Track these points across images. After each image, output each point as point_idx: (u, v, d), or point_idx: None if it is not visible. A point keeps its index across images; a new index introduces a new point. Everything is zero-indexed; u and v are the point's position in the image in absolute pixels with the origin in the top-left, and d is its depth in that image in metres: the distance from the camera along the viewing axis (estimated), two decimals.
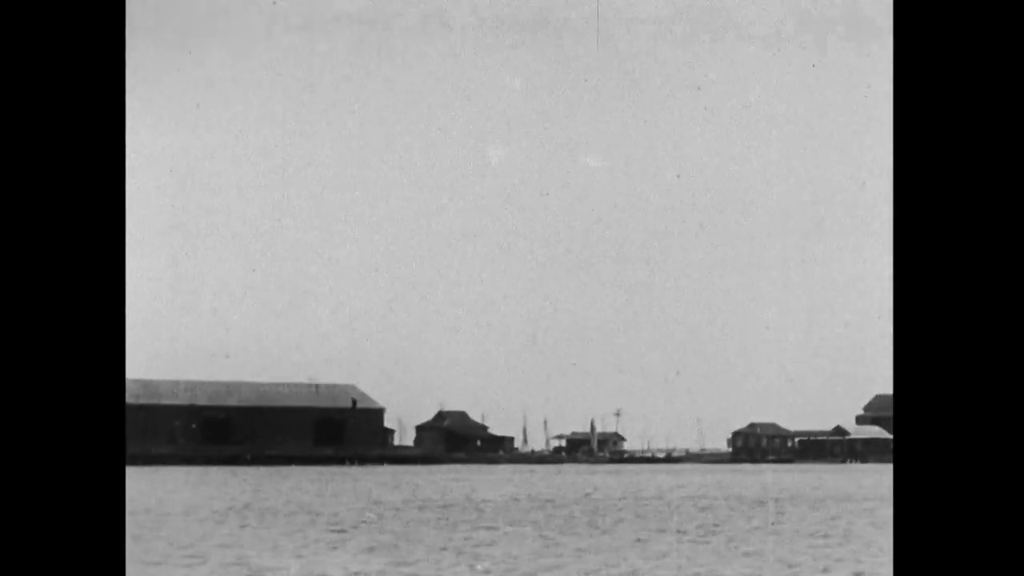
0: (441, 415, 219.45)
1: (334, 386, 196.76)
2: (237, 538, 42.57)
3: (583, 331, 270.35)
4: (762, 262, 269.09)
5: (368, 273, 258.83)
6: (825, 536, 43.94)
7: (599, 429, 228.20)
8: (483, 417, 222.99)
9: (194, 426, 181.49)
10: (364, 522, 51.22)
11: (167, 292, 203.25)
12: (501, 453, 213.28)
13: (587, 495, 79.34)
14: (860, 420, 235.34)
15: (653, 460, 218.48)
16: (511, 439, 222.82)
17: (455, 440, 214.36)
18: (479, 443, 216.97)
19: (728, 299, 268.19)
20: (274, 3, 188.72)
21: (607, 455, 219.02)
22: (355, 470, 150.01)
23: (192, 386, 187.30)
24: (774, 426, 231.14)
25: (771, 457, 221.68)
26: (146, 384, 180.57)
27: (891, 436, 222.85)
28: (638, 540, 41.66)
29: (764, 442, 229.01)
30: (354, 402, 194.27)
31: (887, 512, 58.59)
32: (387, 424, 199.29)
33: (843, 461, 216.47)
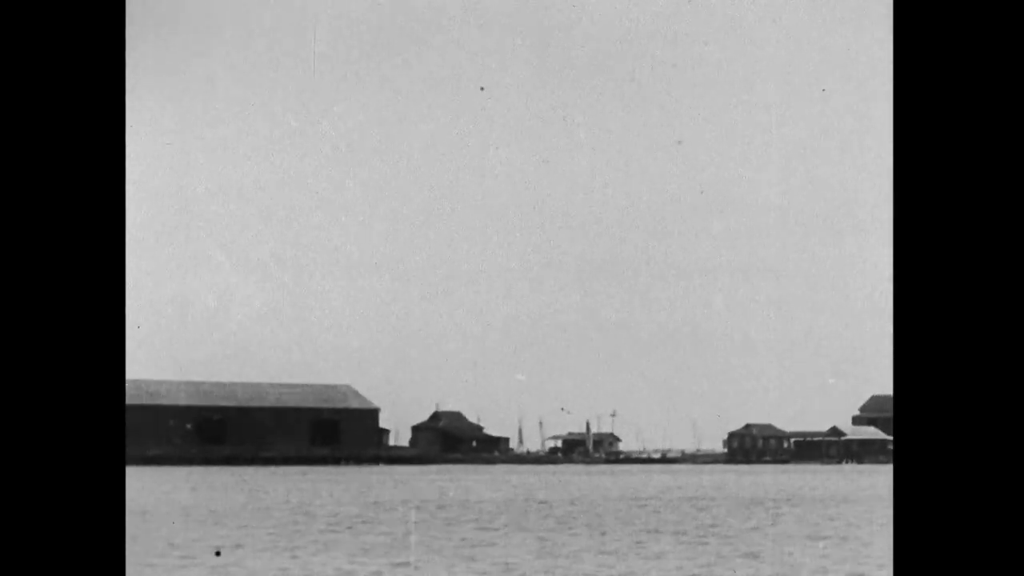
0: (437, 415, 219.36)
1: (330, 386, 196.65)
2: (232, 539, 42.53)
3: (579, 331, 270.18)
4: (758, 263, 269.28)
5: (364, 273, 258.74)
6: (822, 537, 43.93)
7: (595, 430, 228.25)
8: (479, 418, 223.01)
9: (189, 426, 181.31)
10: (362, 523, 51.19)
11: (162, 292, 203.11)
12: (497, 454, 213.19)
13: (579, 498, 79.33)
14: (856, 421, 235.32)
15: (649, 461, 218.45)
16: (507, 440, 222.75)
17: (451, 441, 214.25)
18: (475, 444, 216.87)
19: (724, 300, 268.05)
20: (272, 28, 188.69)
21: (603, 456, 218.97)
22: (350, 470, 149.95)
23: (187, 386, 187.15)
24: (770, 427, 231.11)
25: (767, 458, 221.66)
26: (141, 384, 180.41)
27: (887, 437, 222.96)
28: (635, 542, 41.65)
29: (760, 443, 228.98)
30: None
31: (883, 512, 58.59)
32: (383, 424, 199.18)
33: (839, 462, 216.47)
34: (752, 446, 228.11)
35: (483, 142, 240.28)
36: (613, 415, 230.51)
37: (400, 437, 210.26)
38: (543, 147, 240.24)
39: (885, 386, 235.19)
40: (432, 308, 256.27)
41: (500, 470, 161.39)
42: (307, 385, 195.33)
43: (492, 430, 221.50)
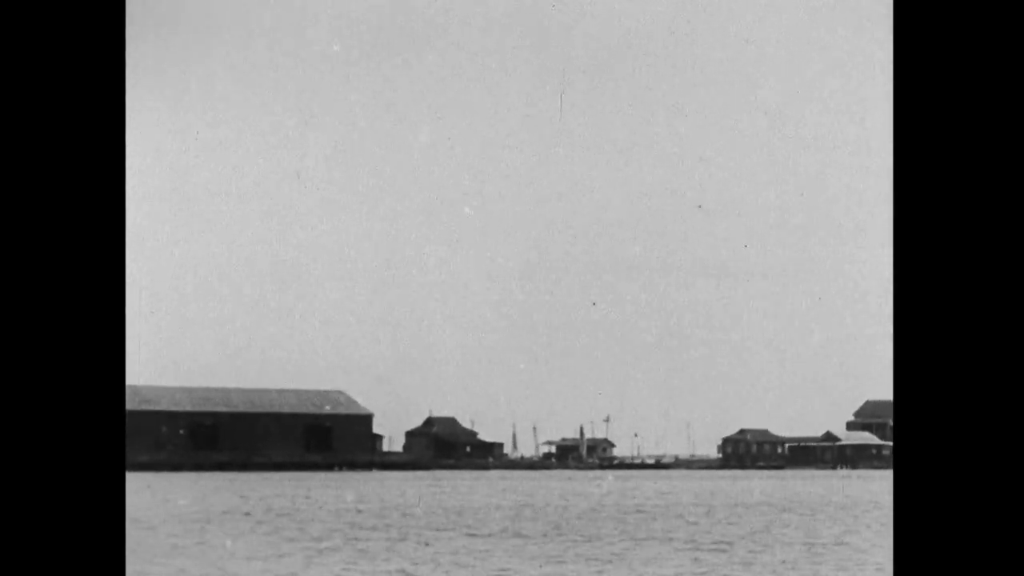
0: (430, 421, 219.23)
1: (323, 392, 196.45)
2: (222, 545, 42.45)
3: (573, 337, 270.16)
4: (752, 269, 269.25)
5: (357, 279, 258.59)
6: (818, 543, 43.90)
7: (589, 435, 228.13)
8: (472, 423, 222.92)
9: (182, 432, 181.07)
10: (355, 529, 51.13)
11: (155, 298, 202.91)
12: (490, 459, 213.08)
13: (572, 504, 79.27)
14: (851, 426, 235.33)
15: (643, 466, 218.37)
16: (500, 445, 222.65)
17: (444, 446, 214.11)
18: (468, 449, 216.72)
19: (718, 306, 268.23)
20: (272, 28, 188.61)
21: (597, 461, 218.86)
22: (344, 476, 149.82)
23: (180, 392, 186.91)
24: (764, 432, 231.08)
25: (761, 463, 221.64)
26: (134, 389, 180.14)
27: (882, 442, 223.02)
28: (627, 548, 41.60)
29: (754, 448, 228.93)
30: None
31: (878, 517, 58.58)
32: (376, 430, 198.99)
33: (833, 467, 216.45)
34: (746, 451, 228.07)
35: (475, 153, 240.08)
36: (607, 420, 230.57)
37: (394, 443, 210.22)
38: (541, 150, 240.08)
39: (879, 391, 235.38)
40: (426, 314, 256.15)
41: (494, 476, 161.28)
42: (300, 391, 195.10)
43: (486, 435, 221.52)
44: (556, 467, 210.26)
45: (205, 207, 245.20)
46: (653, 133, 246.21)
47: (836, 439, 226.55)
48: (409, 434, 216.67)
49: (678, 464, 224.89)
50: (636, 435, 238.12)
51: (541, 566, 34.89)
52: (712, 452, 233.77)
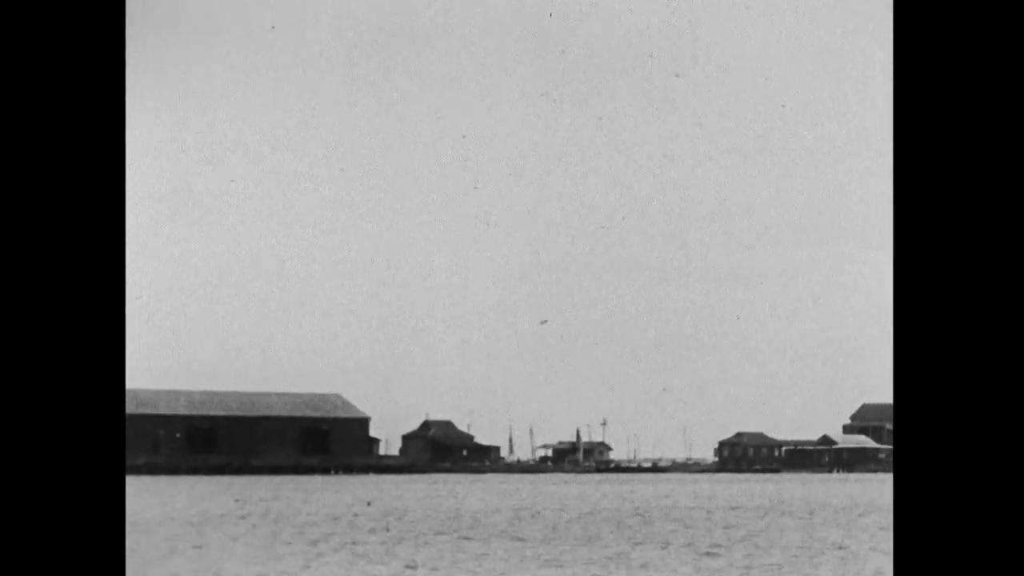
0: (427, 424, 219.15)
1: (320, 395, 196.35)
2: (217, 549, 42.42)
3: (569, 341, 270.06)
4: (748, 273, 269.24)
5: (354, 283, 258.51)
6: (815, 547, 43.88)
7: (585, 439, 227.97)
8: (469, 427, 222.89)
9: (179, 435, 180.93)
10: (352, 531, 51.11)
11: (152, 300, 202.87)
12: (487, 463, 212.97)
13: (568, 507, 79.28)
14: (847, 429, 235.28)
15: (639, 470, 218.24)
16: (497, 448, 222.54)
17: (441, 450, 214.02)
18: (465, 452, 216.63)
19: (714, 310, 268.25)
20: (272, 28, 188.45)
21: (593, 465, 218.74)
22: (341, 480, 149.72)
23: (177, 395, 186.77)
24: (760, 435, 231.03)
25: (757, 467, 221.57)
26: (131, 393, 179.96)
27: (879, 445, 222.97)
28: (624, 551, 41.58)
29: (750, 451, 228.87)
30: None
31: (875, 520, 58.57)
32: (373, 434, 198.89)
33: (830, 470, 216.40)
34: (743, 455, 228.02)
35: (472, 157, 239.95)
36: (604, 424, 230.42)
37: (390, 446, 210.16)
38: (542, 150, 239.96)
39: (876, 395, 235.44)
40: (422, 317, 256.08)
41: (490, 479, 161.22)
42: (297, 394, 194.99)
43: (482, 439, 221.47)
44: (552, 470, 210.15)
45: (205, 207, 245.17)
46: (653, 133, 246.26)
47: (833, 443, 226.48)
48: (406, 438, 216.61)
49: (675, 468, 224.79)
50: (635, 436, 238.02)
51: (539, 568, 34.88)
52: (709, 456, 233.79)
